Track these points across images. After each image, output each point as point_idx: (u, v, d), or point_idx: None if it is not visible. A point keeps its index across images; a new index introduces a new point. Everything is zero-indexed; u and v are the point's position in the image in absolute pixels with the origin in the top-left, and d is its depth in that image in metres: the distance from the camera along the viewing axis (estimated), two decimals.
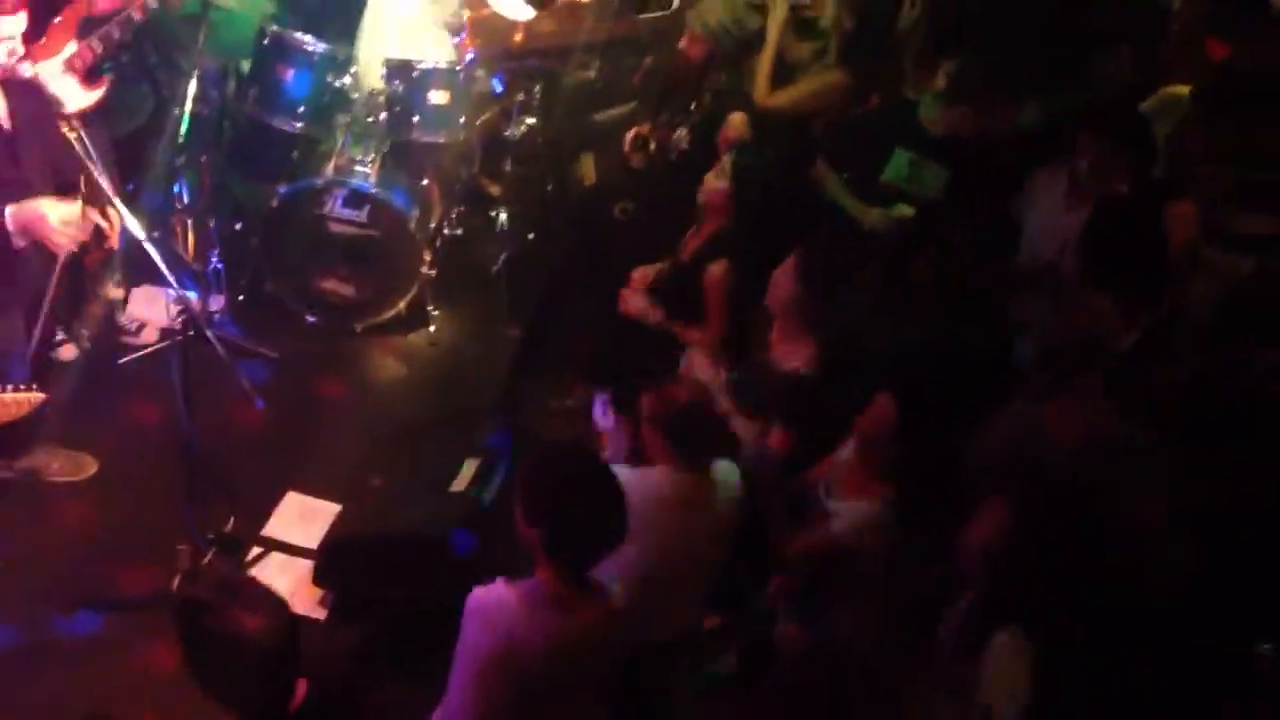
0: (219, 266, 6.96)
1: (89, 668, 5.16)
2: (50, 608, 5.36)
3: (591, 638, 3.87)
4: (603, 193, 7.16)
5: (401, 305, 7.08)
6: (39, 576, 5.47)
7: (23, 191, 5.09)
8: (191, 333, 5.24)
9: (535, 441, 5.85)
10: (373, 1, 7.31)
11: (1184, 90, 5.66)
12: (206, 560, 5.49)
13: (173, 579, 5.35)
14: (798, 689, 3.71)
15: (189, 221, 7.04)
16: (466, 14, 7.48)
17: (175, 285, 5.21)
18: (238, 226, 7.22)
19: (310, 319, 7.06)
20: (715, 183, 5.95)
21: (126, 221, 5.14)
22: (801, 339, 5.26)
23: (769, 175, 5.81)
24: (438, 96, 7.00)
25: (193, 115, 6.79)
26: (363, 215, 6.84)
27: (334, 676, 3.77)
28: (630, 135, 7.01)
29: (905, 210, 6.01)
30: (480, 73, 7.56)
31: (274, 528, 5.85)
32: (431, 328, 7.24)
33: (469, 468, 5.89)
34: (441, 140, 7.16)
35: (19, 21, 5.26)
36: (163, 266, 5.14)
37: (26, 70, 5.36)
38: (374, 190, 6.81)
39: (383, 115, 7.00)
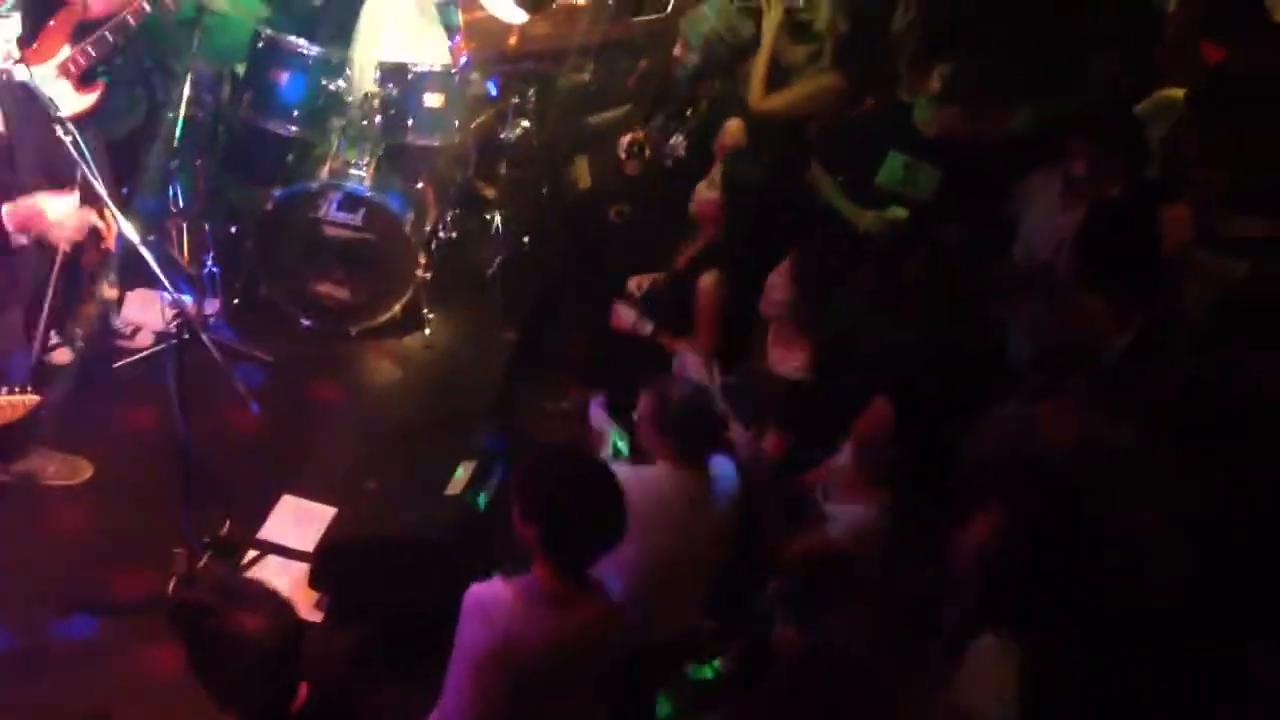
0: (214, 270, 6.98)
1: (85, 671, 5.16)
2: (46, 611, 5.36)
3: (589, 636, 3.88)
4: (597, 196, 7.17)
5: (396, 308, 7.08)
6: (35, 580, 5.47)
7: (19, 195, 5.09)
8: (186, 336, 5.23)
9: (530, 444, 5.85)
10: (367, 5, 7.31)
11: (1179, 93, 5.67)
12: (202, 564, 5.49)
13: (168, 583, 5.37)
14: (795, 691, 3.72)
15: (184, 225, 7.07)
16: (461, 16, 7.49)
17: (170, 289, 5.21)
18: (233, 230, 7.23)
19: (305, 322, 7.07)
20: (706, 193, 5.97)
21: (121, 225, 5.14)
22: (796, 343, 5.27)
23: (760, 184, 5.81)
24: (432, 100, 7.00)
25: (187, 119, 6.80)
26: (357, 218, 6.84)
27: (331, 679, 3.76)
28: (625, 141, 7.01)
29: (899, 212, 6.01)
30: (475, 76, 7.57)
31: (269, 531, 5.85)
32: (426, 331, 7.25)
33: (464, 470, 5.90)
34: (436, 143, 7.16)
35: (13, 26, 5.26)
36: (157, 270, 5.14)
37: (21, 74, 5.36)
38: (369, 193, 6.82)
39: (377, 118, 6.99)
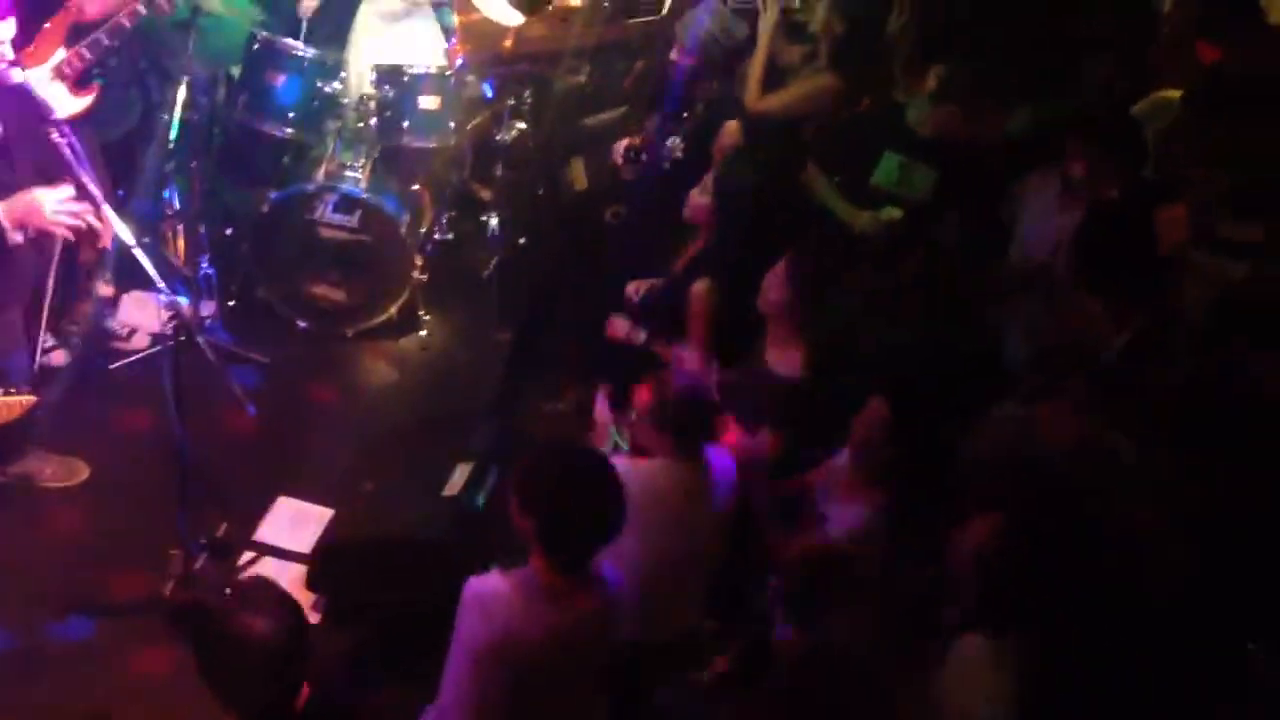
0: (210, 272, 6.97)
1: (83, 671, 5.14)
2: (43, 612, 5.35)
3: (588, 628, 3.87)
4: (593, 197, 7.16)
5: (393, 310, 7.08)
6: (32, 581, 5.46)
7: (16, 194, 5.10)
8: (182, 338, 5.22)
9: (528, 445, 5.84)
10: (363, 6, 7.31)
11: (1175, 94, 5.67)
12: (198, 565, 5.48)
13: (165, 584, 5.36)
14: (795, 691, 3.72)
15: (180, 227, 7.06)
16: (456, 18, 7.49)
17: (166, 291, 5.20)
18: (228, 232, 7.23)
19: (301, 324, 7.07)
20: (699, 198, 5.97)
21: (116, 227, 5.14)
22: (793, 343, 5.28)
23: (753, 188, 5.80)
24: (428, 101, 7.01)
25: (183, 121, 6.80)
26: (354, 220, 6.84)
27: (332, 679, 3.77)
28: (621, 147, 7.01)
29: (894, 213, 6.01)
30: (471, 78, 7.58)
31: (266, 532, 5.84)
32: (423, 332, 7.25)
33: (461, 472, 5.90)
34: (432, 145, 7.17)
35: (8, 28, 5.26)
36: (153, 272, 5.13)
37: (16, 77, 5.36)
38: (365, 195, 6.82)
39: (373, 120, 6.99)
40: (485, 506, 5.69)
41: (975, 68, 5.98)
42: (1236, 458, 3.98)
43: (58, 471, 5.91)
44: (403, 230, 6.91)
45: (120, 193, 6.45)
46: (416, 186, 7.28)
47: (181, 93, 6.75)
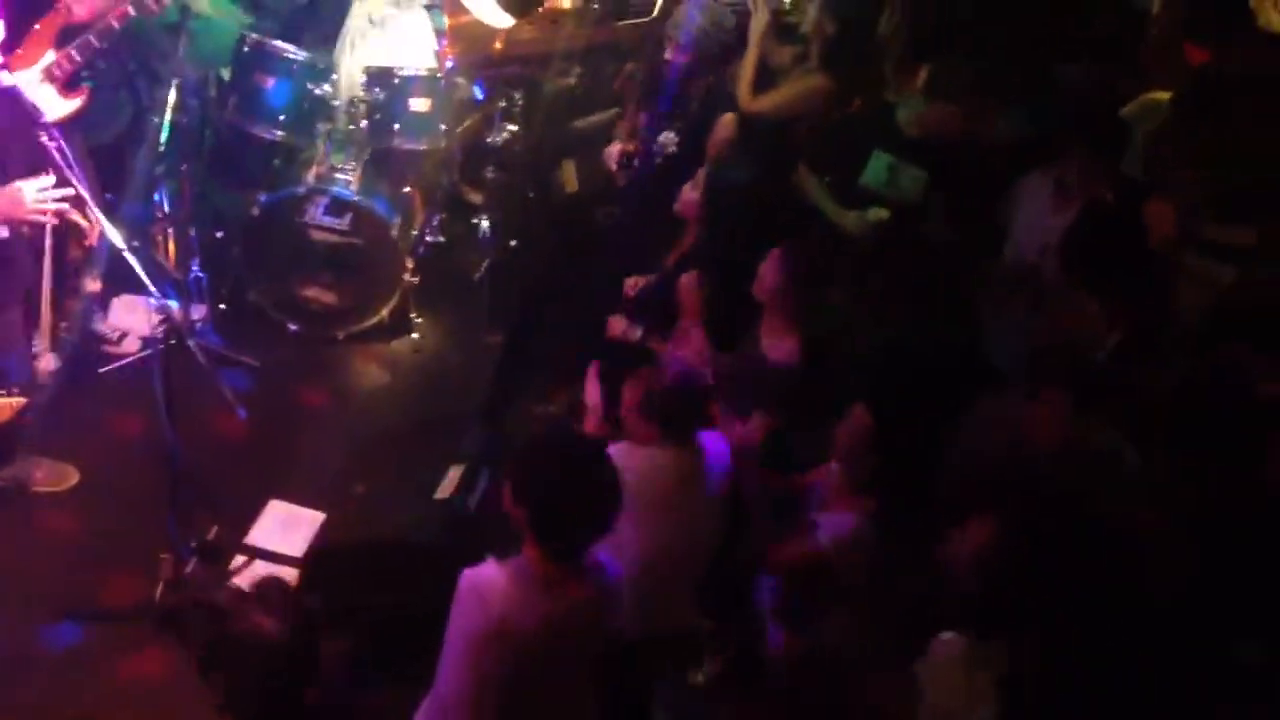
0: (200, 275, 6.96)
1: (72, 676, 5.13)
2: (33, 616, 5.33)
3: (582, 617, 3.86)
4: (584, 199, 7.17)
5: (384, 312, 7.08)
6: (21, 585, 5.43)
7: None
8: (173, 342, 5.21)
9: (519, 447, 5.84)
10: (353, 9, 7.30)
11: (1164, 96, 5.68)
12: (189, 569, 5.46)
13: (155, 588, 5.34)
14: (789, 694, 3.72)
15: (170, 230, 7.05)
16: (447, 20, 7.49)
17: (156, 294, 5.19)
18: (219, 235, 7.21)
19: (292, 327, 7.06)
20: (690, 194, 5.98)
21: (106, 229, 5.13)
22: (788, 330, 5.30)
23: (743, 188, 5.81)
24: (419, 104, 7.00)
25: (173, 124, 6.78)
26: (344, 223, 6.84)
27: (332, 680, 3.76)
28: (615, 151, 7.01)
29: (881, 213, 6.01)
30: (461, 80, 7.57)
31: (257, 536, 5.82)
32: (414, 335, 7.25)
33: (453, 474, 5.89)
34: (423, 147, 7.17)
35: None
36: (144, 275, 5.12)
37: (5, 79, 5.35)
38: (355, 198, 6.81)
39: (364, 123, 6.99)
40: (477, 509, 5.69)
41: (965, 68, 5.99)
42: (1228, 459, 3.99)
43: (48, 475, 5.89)
44: (394, 233, 6.90)
45: (110, 196, 6.43)
46: (407, 189, 7.27)
47: (171, 95, 6.73)
